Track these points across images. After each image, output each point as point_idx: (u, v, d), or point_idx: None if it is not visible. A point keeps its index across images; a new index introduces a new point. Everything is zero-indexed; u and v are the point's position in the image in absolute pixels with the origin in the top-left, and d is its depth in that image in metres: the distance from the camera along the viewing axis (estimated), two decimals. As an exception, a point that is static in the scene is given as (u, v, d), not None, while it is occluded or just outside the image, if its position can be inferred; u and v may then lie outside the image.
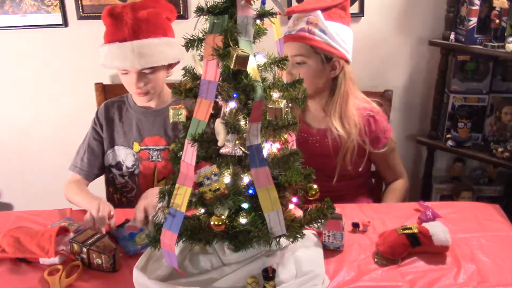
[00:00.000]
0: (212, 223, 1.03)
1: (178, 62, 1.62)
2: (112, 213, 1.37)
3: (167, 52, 1.55)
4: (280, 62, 1.02)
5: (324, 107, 1.63)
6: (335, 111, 1.58)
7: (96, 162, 1.69)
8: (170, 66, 1.63)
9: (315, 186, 1.13)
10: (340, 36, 1.54)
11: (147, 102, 1.65)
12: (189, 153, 0.99)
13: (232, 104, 1.01)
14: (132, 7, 1.51)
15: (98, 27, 1.63)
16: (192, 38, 1.01)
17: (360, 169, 1.64)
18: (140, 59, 1.49)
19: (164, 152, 1.66)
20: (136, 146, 1.67)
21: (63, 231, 1.27)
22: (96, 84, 2.02)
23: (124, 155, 1.68)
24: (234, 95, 1.01)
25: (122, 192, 1.73)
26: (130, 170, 1.69)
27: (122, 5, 1.53)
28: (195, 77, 1.06)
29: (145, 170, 1.67)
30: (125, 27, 1.49)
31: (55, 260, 1.19)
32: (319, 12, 1.51)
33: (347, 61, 1.58)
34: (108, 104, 1.74)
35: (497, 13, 1.95)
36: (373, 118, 1.61)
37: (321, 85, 1.60)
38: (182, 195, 1.00)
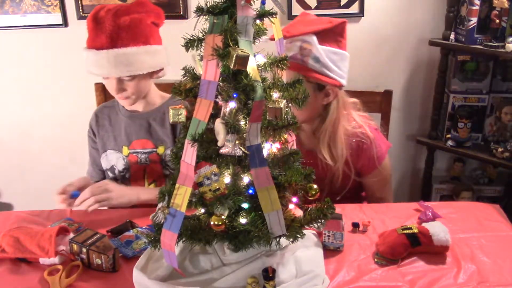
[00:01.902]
0: (212, 223, 1.03)
1: (163, 69, 1.60)
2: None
3: (146, 61, 1.51)
4: (280, 62, 1.02)
5: (314, 131, 1.59)
6: (324, 137, 1.54)
7: (101, 168, 1.75)
8: (154, 72, 1.59)
9: (315, 186, 1.12)
10: (335, 62, 1.46)
11: (131, 106, 1.65)
12: (189, 153, 0.99)
13: (232, 104, 1.01)
14: (115, 13, 1.46)
15: (98, 27, 1.63)
16: (192, 38, 1.01)
17: (346, 190, 1.61)
18: (116, 68, 1.46)
19: (152, 155, 1.65)
20: (125, 150, 1.67)
21: (63, 231, 1.27)
22: (96, 84, 2.02)
23: (116, 159, 1.69)
24: (234, 95, 1.01)
25: None
26: (122, 174, 1.69)
27: (106, 9, 1.49)
28: (195, 77, 1.06)
29: (135, 173, 1.68)
30: (103, 34, 1.46)
31: (55, 260, 1.19)
32: (314, 37, 1.43)
33: (341, 86, 1.52)
34: (98, 111, 1.76)
35: (497, 13, 1.95)
36: (361, 146, 1.56)
37: (312, 113, 1.55)
38: (182, 195, 1.00)
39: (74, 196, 1.45)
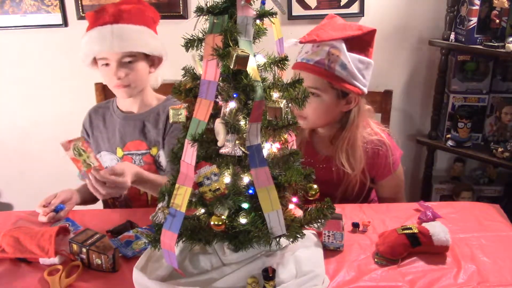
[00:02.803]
0: (212, 223, 1.03)
1: (161, 60, 1.63)
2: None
3: (148, 40, 1.55)
4: (280, 62, 1.02)
5: (332, 137, 1.58)
6: (343, 145, 1.52)
7: None
8: (153, 63, 1.62)
9: (315, 186, 1.12)
10: (360, 71, 1.45)
11: (128, 98, 1.62)
12: (189, 153, 0.99)
13: (232, 104, 1.01)
14: (117, 3, 1.55)
15: (98, 27, 1.63)
16: (192, 38, 1.01)
17: (361, 198, 1.61)
18: (119, 41, 1.48)
19: (146, 156, 1.64)
20: (119, 152, 1.66)
21: (63, 231, 1.27)
22: (96, 84, 2.02)
23: (109, 161, 1.67)
24: (234, 95, 1.01)
25: (113, 197, 1.70)
26: None
27: (106, 4, 1.56)
28: (195, 77, 1.06)
29: None
30: (106, 15, 1.51)
31: (55, 260, 1.19)
32: (343, 44, 1.41)
33: (363, 94, 1.51)
34: (91, 111, 1.75)
35: (497, 13, 1.95)
36: (377, 152, 1.56)
37: (332, 118, 1.54)
38: (182, 195, 1.00)
39: (58, 209, 1.41)
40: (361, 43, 1.46)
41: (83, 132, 1.74)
